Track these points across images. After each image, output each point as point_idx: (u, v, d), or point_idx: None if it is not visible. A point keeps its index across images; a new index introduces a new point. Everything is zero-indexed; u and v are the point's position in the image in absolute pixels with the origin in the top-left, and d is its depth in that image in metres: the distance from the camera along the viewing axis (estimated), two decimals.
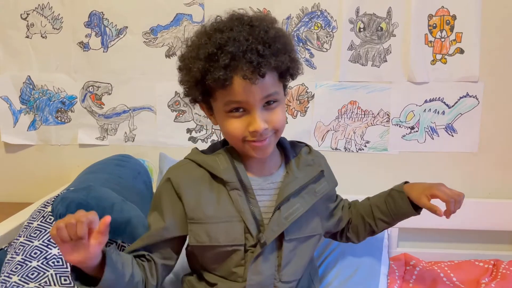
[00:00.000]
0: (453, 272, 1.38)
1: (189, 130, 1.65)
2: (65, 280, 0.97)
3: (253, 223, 0.88)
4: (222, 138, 0.98)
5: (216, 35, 0.81)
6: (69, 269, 0.99)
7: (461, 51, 1.53)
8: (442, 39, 1.53)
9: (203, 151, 0.96)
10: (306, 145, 1.03)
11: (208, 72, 0.80)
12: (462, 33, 1.52)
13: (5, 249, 1.12)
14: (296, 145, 1.01)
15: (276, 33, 0.84)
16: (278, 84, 0.86)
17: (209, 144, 1.62)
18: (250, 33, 0.81)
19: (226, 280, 0.92)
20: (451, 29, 1.52)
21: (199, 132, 1.64)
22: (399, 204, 1.06)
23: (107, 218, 0.74)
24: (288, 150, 0.98)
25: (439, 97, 1.57)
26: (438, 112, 1.57)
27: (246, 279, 0.89)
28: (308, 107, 1.60)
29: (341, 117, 1.60)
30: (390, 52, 1.55)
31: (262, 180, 0.92)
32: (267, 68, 0.80)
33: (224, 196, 0.89)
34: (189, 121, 1.64)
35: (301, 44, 1.55)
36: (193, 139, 1.65)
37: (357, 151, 1.62)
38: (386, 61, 1.55)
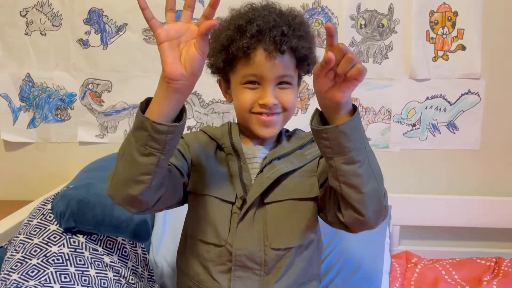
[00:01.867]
0: (455, 270, 1.38)
1: (189, 128, 1.64)
2: (65, 278, 0.96)
3: (240, 187, 0.91)
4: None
5: (248, 12, 0.89)
6: (68, 267, 0.98)
7: (463, 48, 1.53)
8: (444, 36, 1.53)
9: (211, 126, 1.02)
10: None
11: (234, 41, 0.86)
12: (464, 29, 1.51)
13: (5, 247, 1.12)
14: (292, 130, 1.03)
15: (301, 22, 0.90)
16: (295, 70, 0.90)
17: None
18: (279, 16, 0.88)
19: (214, 246, 0.91)
20: (453, 25, 1.52)
21: None
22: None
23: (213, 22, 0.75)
24: (283, 130, 0.99)
25: (441, 94, 1.56)
26: (440, 109, 1.57)
27: (232, 244, 0.89)
28: (309, 104, 1.59)
29: None
30: (392, 49, 1.54)
31: (256, 148, 0.95)
32: (287, 46, 0.85)
33: (222, 158, 0.94)
34: (189, 118, 1.63)
35: None
36: None
37: None
38: (388, 58, 1.54)
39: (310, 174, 0.94)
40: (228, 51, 0.87)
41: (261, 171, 0.91)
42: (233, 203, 0.90)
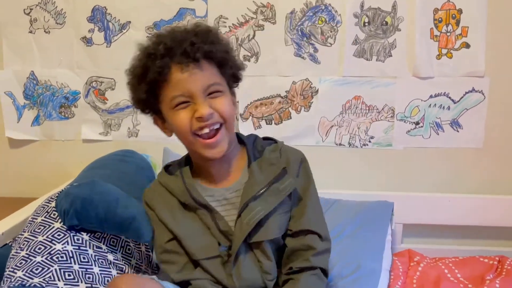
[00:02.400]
0: (458, 269, 1.38)
1: None
2: (69, 275, 0.96)
3: (221, 235, 0.92)
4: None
5: (155, 39, 0.89)
6: (72, 265, 0.99)
7: (467, 46, 1.52)
8: (448, 34, 1.52)
9: (169, 169, 1.01)
10: (275, 142, 1.02)
11: (148, 68, 0.86)
12: (468, 27, 1.51)
13: (10, 244, 1.12)
14: (260, 145, 1.00)
15: (208, 29, 0.91)
16: (220, 77, 0.90)
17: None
18: (185, 32, 0.89)
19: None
20: (457, 23, 1.51)
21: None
22: None
23: None
24: (250, 151, 0.97)
25: (445, 92, 1.55)
26: (443, 107, 1.56)
27: (235, 286, 0.93)
28: (312, 102, 1.59)
29: (345, 113, 1.59)
30: (395, 47, 1.53)
31: (224, 190, 0.95)
32: (200, 53, 0.85)
33: (193, 213, 0.94)
34: None
35: (305, 38, 1.54)
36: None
37: (361, 147, 1.61)
38: (391, 55, 1.54)
39: (286, 210, 0.96)
40: (146, 80, 0.87)
41: (239, 215, 0.92)
42: (220, 256, 0.93)
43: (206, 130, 0.87)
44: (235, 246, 0.91)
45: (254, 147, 0.98)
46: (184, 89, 0.86)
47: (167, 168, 1.01)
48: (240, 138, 1.00)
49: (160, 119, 0.95)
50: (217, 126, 0.88)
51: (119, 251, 1.12)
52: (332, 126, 1.60)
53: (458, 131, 1.57)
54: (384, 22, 1.52)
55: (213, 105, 0.87)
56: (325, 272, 0.97)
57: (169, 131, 0.95)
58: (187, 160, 1.00)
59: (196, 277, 0.94)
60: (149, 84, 0.87)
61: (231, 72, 0.93)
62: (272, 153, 0.97)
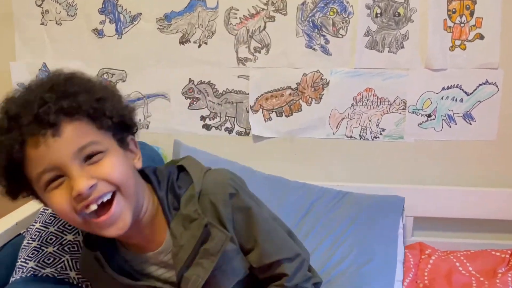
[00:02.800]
0: (469, 262, 1.37)
1: (203, 118, 1.64)
2: None
3: None
4: None
5: (4, 102, 0.71)
6: None
7: (481, 37, 1.49)
8: (462, 25, 1.49)
9: (91, 242, 0.84)
10: (191, 178, 0.81)
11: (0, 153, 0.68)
12: (482, 18, 1.48)
13: (23, 234, 1.14)
14: (174, 193, 0.81)
15: (68, 78, 0.72)
16: (97, 133, 0.71)
17: (223, 131, 1.63)
18: (40, 86, 0.70)
19: None
20: (471, 14, 1.48)
21: (213, 119, 1.64)
22: None
23: None
24: (165, 206, 0.80)
25: (458, 84, 1.53)
26: (456, 100, 1.54)
27: None
28: (323, 94, 1.58)
29: (357, 105, 1.58)
30: (408, 38, 1.51)
31: (157, 254, 0.82)
32: (56, 114, 0.66)
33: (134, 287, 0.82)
34: (203, 108, 1.64)
35: (316, 30, 1.53)
36: (207, 127, 1.65)
37: (372, 139, 1.60)
38: (403, 47, 1.52)
39: (233, 256, 0.82)
40: (1, 166, 0.69)
41: (179, 286, 0.80)
42: None
43: (94, 207, 0.69)
44: None
45: (170, 195, 0.81)
46: (47, 163, 0.67)
47: (87, 241, 0.84)
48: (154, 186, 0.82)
49: (39, 199, 0.76)
50: (108, 197, 0.70)
51: None
52: (343, 118, 1.59)
53: (470, 124, 1.55)
54: (396, 13, 1.50)
55: (94, 172, 0.68)
56: (306, 280, 0.88)
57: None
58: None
59: None
60: (6, 169, 0.69)
61: (113, 122, 0.73)
62: (189, 204, 0.78)
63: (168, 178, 0.82)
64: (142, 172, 0.82)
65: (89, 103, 0.70)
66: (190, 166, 0.83)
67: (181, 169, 0.84)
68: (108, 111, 0.72)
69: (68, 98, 0.68)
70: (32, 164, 0.68)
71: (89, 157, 0.69)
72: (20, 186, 0.73)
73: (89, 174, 0.68)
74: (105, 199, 0.69)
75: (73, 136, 0.68)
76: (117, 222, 0.71)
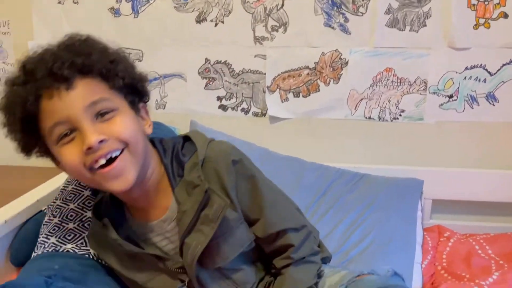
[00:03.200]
0: (489, 245, 1.35)
1: (219, 98, 1.63)
2: None
3: (176, 273, 0.83)
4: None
5: (20, 62, 0.75)
6: None
7: (505, 16, 1.44)
8: (486, 3, 1.45)
9: (99, 210, 0.88)
10: (195, 146, 0.83)
11: (15, 102, 0.72)
12: None
13: (44, 211, 1.16)
14: (178, 157, 0.83)
15: (83, 40, 0.77)
16: (108, 92, 0.74)
17: (239, 111, 1.62)
18: (56, 47, 0.75)
19: None
20: None
21: (229, 100, 1.63)
22: None
23: None
24: (170, 172, 0.81)
25: (481, 64, 1.49)
26: (479, 80, 1.50)
27: None
28: (341, 74, 1.55)
29: (376, 85, 1.55)
30: (430, 16, 1.47)
31: (162, 222, 0.83)
32: (71, 70, 0.70)
33: (138, 257, 0.84)
34: (219, 88, 1.63)
35: (335, 8, 1.50)
36: (223, 107, 1.64)
37: (391, 121, 1.57)
38: (425, 25, 1.48)
39: (237, 225, 0.82)
40: (16, 117, 0.73)
41: (181, 253, 0.81)
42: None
43: (102, 162, 0.71)
44: (193, 282, 0.81)
45: (175, 163, 0.82)
46: (59, 116, 0.70)
47: (96, 211, 0.88)
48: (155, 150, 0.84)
49: (53, 158, 0.79)
50: (116, 154, 0.72)
51: None
52: (361, 99, 1.57)
53: (493, 105, 1.51)
54: None
55: (105, 129, 0.71)
56: (313, 254, 0.88)
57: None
58: (112, 201, 0.85)
59: None
60: (21, 121, 0.72)
61: (124, 84, 0.76)
62: (193, 171, 0.80)
63: (173, 147, 0.83)
64: (149, 141, 0.84)
65: (102, 63, 0.73)
66: (195, 136, 0.85)
67: (186, 139, 0.86)
68: (120, 72, 0.75)
69: (82, 56, 0.72)
70: (46, 116, 0.71)
71: (101, 115, 0.72)
72: (34, 140, 0.75)
73: (101, 131, 0.71)
74: (113, 155, 0.72)
75: (85, 91, 0.71)
76: (122, 176, 0.73)
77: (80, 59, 0.71)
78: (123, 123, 0.73)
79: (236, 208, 0.82)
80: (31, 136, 0.75)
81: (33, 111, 0.71)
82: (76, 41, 0.76)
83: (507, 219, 1.56)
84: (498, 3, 1.44)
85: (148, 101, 0.84)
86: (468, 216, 1.58)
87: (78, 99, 0.70)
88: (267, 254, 0.88)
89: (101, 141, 0.70)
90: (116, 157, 0.72)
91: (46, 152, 0.78)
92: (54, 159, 0.78)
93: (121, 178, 0.73)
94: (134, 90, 0.79)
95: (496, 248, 1.34)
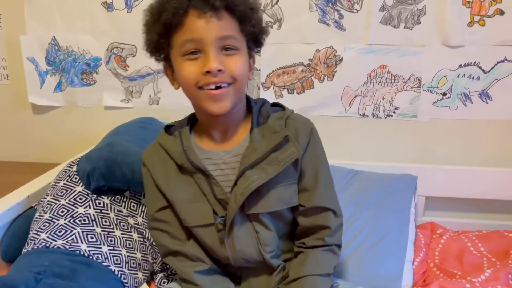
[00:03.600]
0: (481, 242, 1.36)
1: None
2: (91, 238, 0.98)
3: (217, 203, 0.88)
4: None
5: None
6: (95, 228, 1.00)
7: (501, 13, 1.44)
8: None
9: (170, 130, 0.95)
10: (284, 108, 0.94)
11: (165, 8, 0.80)
12: None
13: (35, 207, 1.15)
14: (266, 111, 0.92)
15: None
16: (238, 33, 0.84)
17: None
18: None
19: (219, 260, 0.94)
20: None
21: None
22: None
23: None
24: (255, 116, 0.91)
25: (475, 62, 1.49)
26: (473, 78, 1.50)
27: (229, 255, 0.90)
28: (336, 71, 1.55)
29: (370, 82, 1.55)
30: (425, 14, 1.47)
31: (224, 153, 0.90)
32: (221, 2, 0.79)
33: (189, 178, 0.89)
34: None
35: (330, 4, 1.49)
36: None
37: (385, 118, 1.57)
38: (420, 23, 1.47)
39: (289, 182, 0.89)
40: (160, 21, 0.81)
41: (235, 183, 0.87)
42: (215, 223, 0.89)
43: (212, 86, 0.82)
44: (229, 216, 0.87)
45: (260, 113, 0.92)
46: (195, 35, 0.80)
47: (167, 128, 0.96)
48: (248, 102, 0.94)
49: (170, 68, 0.89)
50: (224, 85, 0.82)
51: (140, 216, 1.13)
52: (356, 96, 1.56)
53: (487, 103, 1.52)
54: None
55: (225, 62, 0.81)
56: (339, 247, 0.94)
57: (177, 83, 0.89)
58: (189, 120, 0.95)
59: (187, 252, 0.92)
60: (163, 26, 0.81)
61: (252, 31, 0.85)
62: (277, 120, 0.90)
63: (262, 101, 0.94)
64: None
65: (245, 6, 0.83)
66: (281, 103, 0.97)
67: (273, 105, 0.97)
68: (254, 20, 0.85)
69: None
70: (184, 31, 0.80)
71: (225, 49, 0.82)
72: (163, 46, 0.85)
73: (221, 62, 0.81)
74: (222, 86, 0.82)
75: (224, 24, 0.81)
76: (222, 102, 0.82)
77: None
78: (239, 63, 0.83)
79: (297, 167, 0.89)
80: (163, 41, 0.83)
81: (176, 22, 0.80)
82: None
83: (499, 216, 1.57)
84: (494, 0, 1.44)
85: (258, 52, 0.95)
86: (461, 213, 1.59)
87: (216, 28, 0.80)
88: (298, 232, 0.94)
89: (219, 70, 0.80)
90: (223, 87, 0.82)
91: (166, 59, 0.87)
92: (169, 67, 0.88)
93: (220, 104, 0.82)
94: (255, 40, 0.88)
95: (488, 245, 1.35)
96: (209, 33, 0.80)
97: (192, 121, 0.94)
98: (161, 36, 0.83)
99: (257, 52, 0.93)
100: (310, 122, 0.93)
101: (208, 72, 0.80)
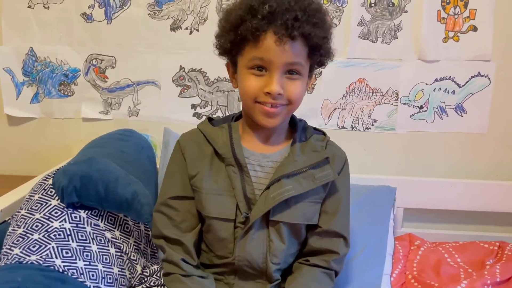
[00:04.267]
0: (458, 253, 1.38)
1: (193, 106, 1.62)
2: (66, 253, 0.96)
3: (243, 200, 0.90)
4: (238, 112, 1.00)
5: None
6: (70, 242, 0.98)
7: (475, 29, 1.49)
8: (455, 16, 1.49)
9: (213, 122, 0.99)
10: (324, 134, 1.00)
11: (244, 22, 0.83)
12: (476, 9, 1.47)
13: (8, 221, 1.12)
14: (309, 131, 0.98)
15: (318, 8, 0.87)
16: (306, 60, 0.87)
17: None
18: (294, 0, 0.84)
19: (220, 257, 0.95)
20: (465, 5, 1.48)
21: (204, 108, 1.62)
22: None
23: None
24: (298, 133, 0.96)
25: (450, 76, 1.53)
26: (448, 92, 1.54)
27: (235, 256, 0.92)
28: (315, 84, 1.57)
29: (349, 95, 1.57)
30: (401, 29, 1.50)
31: (261, 156, 0.93)
32: (299, 32, 0.82)
33: (222, 169, 0.92)
34: (194, 96, 1.62)
35: None
36: (197, 115, 1.63)
37: (364, 130, 1.59)
38: (397, 38, 1.51)
39: (315, 200, 0.94)
40: (237, 32, 0.84)
41: (268, 187, 0.90)
42: (235, 220, 0.91)
43: (268, 106, 0.86)
44: (253, 216, 0.89)
45: (302, 131, 0.97)
46: (266, 56, 0.83)
47: (210, 120, 0.99)
48: (292, 118, 0.99)
49: (233, 67, 0.93)
50: (279, 106, 0.87)
51: (118, 229, 1.11)
52: (335, 109, 1.58)
53: (462, 116, 1.55)
54: (390, 3, 1.49)
55: (286, 86, 0.85)
56: (337, 275, 0.98)
57: (236, 83, 0.92)
58: (234, 119, 0.99)
59: (184, 242, 0.93)
60: (238, 37, 0.85)
61: (319, 58, 0.89)
62: (318, 142, 0.96)
63: (304, 122, 1.01)
64: None
65: (318, 38, 0.85)
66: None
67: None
68: (324, 50, 0.88)
69: (310, 25, 0.83)
70: (257, 47, 0.83)
71: (290, 72, 0.86)
72: (233, 52, 0.88)
73: (283, 86, 0.85)
74: (278, 105, 0.86)
75: (296, 50, 0.84)
76: (273, 119, 0.88)
77: (309, 28, 0.83)
78: (299, 90, 0.87)
79: (326, 189, 0.95)
80: (234, 48, 0.87)
81: (252, 38, 0.83)
82: (314, 7, 0.86)
83: (475, 227, 1.60)
84: (468, 17, 1.48)
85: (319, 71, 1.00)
86: (438, 224, 1.61)
87: (287, 53, 0.83)
88: (305, 251, 0.97)
89: (279, 94, 0.84)
90: (278, 107, 0.87)
91: (233, 63, 0.91)
92: (233, 71, 0.92)
93: (271, 120, 0.88)
94: (320, 64, 0.92)
95: (464, 256, 1.37)
96: (279, 57, 0.83)
97: (235, 121, 0.98)
98: (233, 45, 0.87)
99: (317, 70, 0.99)
100: (345, 153, 1.01)
101: (268, 93, 0.84)
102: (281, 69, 0.84)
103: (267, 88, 0.84)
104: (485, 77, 1.52)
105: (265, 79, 0.85)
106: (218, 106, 1.62)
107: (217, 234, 0.93)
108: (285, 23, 0.81)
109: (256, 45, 0.83)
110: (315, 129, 1.02)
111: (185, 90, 1.61)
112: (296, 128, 0.97)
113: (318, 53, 0.87)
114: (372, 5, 1.49)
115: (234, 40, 0.86)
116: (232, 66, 0.92)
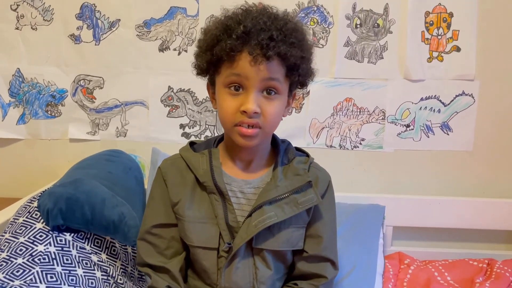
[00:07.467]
0: (447, 271, 1.38)
1: (182, 126, 1.62)
2: (51, 277, 0.94)
3: (226, 229, 0.89)
4: (220, 134, 0.99)
5: (239, 14, 0.85)
6: (55, 267, 0.96)
7: (458, 49, 1.52)
8: (439, 37, 1.52)
9: (194, 147, 0.97)
10: (307, 155, 0.98)
11: (219, 42, 0.82)
12: (459, 30, 1.51)
13: None
14: (291, 153, 0.96)
15: (295, 28, 0.85)
16: (284, 78, 0.85)
17: (202, 139, 1.61)
18: (271, 19, 0.83)
19: (205, 285, 0.94)
20: (448, 26, 1.51)
21: (192, 128, 1.62)
22: None
23: None
24: (280, 156, 0.94)
25: (435, 95, 1.55)
26: (434, 110, 1.56)
27: (221, 286, 0.90)
28: (303, 103, 1.58)
29: (337, 114, 1.58)
30: (387, 49, 1.53)
31: (243, 182, 0.91)
32: (274, 52, 0.80)
33: (204, 196, 0.91)
34: (182, 116, 1.62)
35: None
36: (186, 135, 1.63)
37: (352, 149, 1.60)
38: (383, 58, 1.53)
39: (300, 225, 0.92)
40: (213, 52, 0.83)
41: (250, 215, 0.88)
42: (218, 249, 0.90)
43: (245, 126, 0.84)
44: (236, 245, 0.87)
45: (285, 153, 0.94)
46: (243, 72, 0.82)
47: (192, 144, 0.97)
48: (274, 139, 0.97)
49: (212, 88, 0.91)
50: (256, 127, 0.85)
51: (104, 252, 1.09)
52: (323, 128, 1.59)
53: (448, 134, 1.57)
54: (376, 24, 1.52)
55: (263, 106, 0.83)
56: None
57: (215, 104, 0.90)
58: (216, 143, 0.97)
59: (169, 269, 0.92)
60: (214, 57, 0.84)
61: (297, 78, 0.87)
62: (301, 164, 0.93)
63: (288, 144, 0.98)
64: None
65: (296, 58, 0.83)
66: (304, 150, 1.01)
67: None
68: (302, 70, 0.86)
69: (286, 44, 0.82)
70: (233, 66, 0.82)
71: (267, 91, 0.84)
72: (209, 71, 0.88)
73: (259, 104, 0.83)
74: (253, 125, 0.84)
75: (272, 68, 0.82)
76: (250, 140, 0.85)
77: (285, 48, 0.81)
78: (276, 109, 0.85)
79: (310, 213, 0.92)
80: (210, 67, 0.87)
81: (227, 58, 0.82)
82: (290, 26, 0.84)
83: (464, 245, 1.61)
84: (451, 37, 1.52)
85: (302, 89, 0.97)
86: (427, 242, 1.62)
87: (264, 70, 0.81)
88: (293, 275, 0.95)
89: (255, 113, 0.82)
90: (254, 128, 0.84)
91: (212, 82, 0.90)
92: (213, 92, 0.91)
93: (248, 140, 0.85)
94: (301, 84, 0.91)
95: (454, 274, 1.37)
96: (255, 74, 0.82)
97: (217, 144, 0.97)
98: (210, 64, 0.86)
99: (298, 90, 0.96)
100: (329, 174, 0.98)
101: (244, 111, 0.82)
102: (258, 87, 0.83)
103: (243, 106, 0.82)
104: (469, 95, 1.54)
105: (241, 98, 0.83)
106: (207, 126, 1.62)
107: (201, 263, 0.92)
108: (259, 43, 0.80)
109: (231, 65, 0.83)
110: (298, 149, 0.99)
111: (174, 110, 1.61)
112: (278, 150, 0.95)
113: (296, 72, 0.85)
114: (358, 26, 1.52)
115: (210, 60, 0.85)
116: (211, 86, 0.91)
